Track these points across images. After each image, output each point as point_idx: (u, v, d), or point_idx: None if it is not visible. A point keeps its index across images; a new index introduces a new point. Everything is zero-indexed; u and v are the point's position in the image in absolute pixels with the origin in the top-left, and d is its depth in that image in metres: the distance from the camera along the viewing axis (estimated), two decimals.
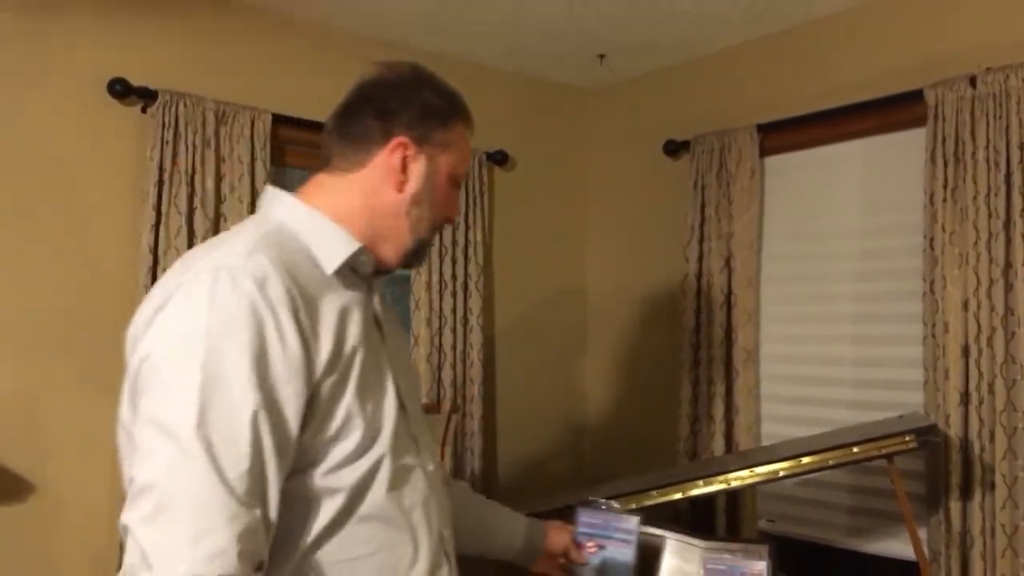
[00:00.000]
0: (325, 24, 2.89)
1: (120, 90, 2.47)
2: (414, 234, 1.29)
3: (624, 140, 3.48)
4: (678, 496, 2.17)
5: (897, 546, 2.54)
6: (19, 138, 2.36)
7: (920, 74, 2.49)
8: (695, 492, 2.16)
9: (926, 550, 2.32)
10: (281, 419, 1.06)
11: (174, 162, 2.49)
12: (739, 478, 2.13)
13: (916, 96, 2.47)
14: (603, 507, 1.69)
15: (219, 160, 2.58)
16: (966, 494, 2.32)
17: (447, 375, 3.03)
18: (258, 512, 1.03)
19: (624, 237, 3.46)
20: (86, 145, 2.47)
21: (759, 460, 2.17)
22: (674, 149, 3.19)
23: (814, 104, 2.77)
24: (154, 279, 2.38)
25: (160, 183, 2.48)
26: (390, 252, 1.28)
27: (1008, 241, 2.29)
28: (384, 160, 1.25)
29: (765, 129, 2.88)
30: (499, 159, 3.28)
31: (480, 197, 3.18)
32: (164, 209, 2.48)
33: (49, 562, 2.33)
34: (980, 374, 2.30)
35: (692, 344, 2.99)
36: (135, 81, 2.48)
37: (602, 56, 3.21)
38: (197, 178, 2.53)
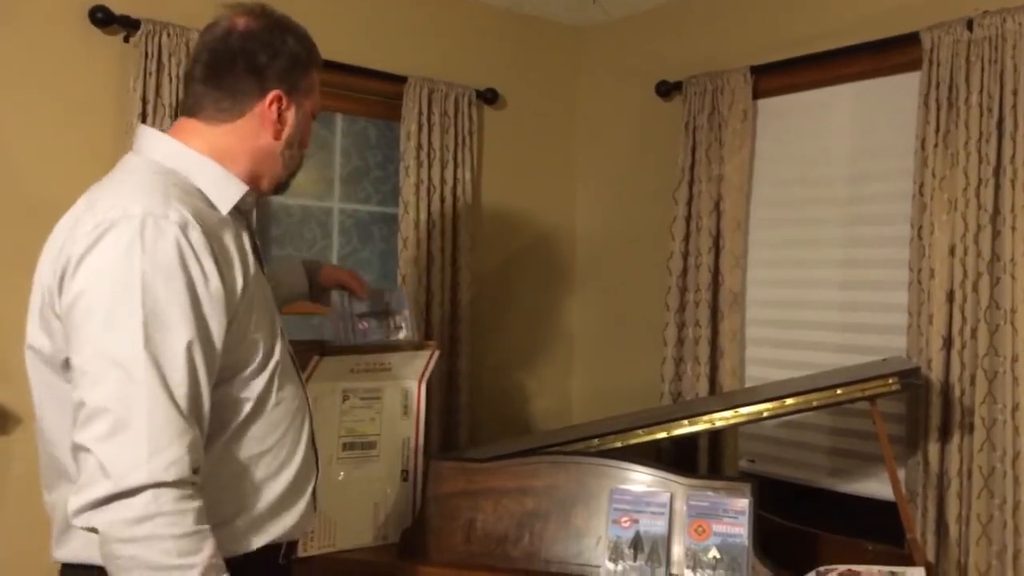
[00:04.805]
0: None
1: (102, 18, 2.41)
2: (286, 170, 1.49)
3: (616, 80, 3.43)
4: (663, 435, 2.19)
5: (876, 486, 2.59)
6: None
7: (917, 16, 2.45)
8: (680, 431, 2.18)
9: (904, 490, 2.37)
10: (210, 346, 1.25)
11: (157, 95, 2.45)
12: (724, 418, 2.15)
13: (912, 39, 2.45)
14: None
15: None
16: (945, 436, 2.36)
17: (436, 314, 3.02)
18: (197, 427, 1.23)
19: (614, 179, 3.44)
20: (66, 75, 2.41)
21: (743, 401, 2.20)
22: (666, 90, 3.15)
23: (809, 46, 2.73)
24: None
25: (143, 115, 2.42)
26: (265, 185, 1.48)
27: (997, 188, 2.29)
28: (262, 111, 1.41)
29: (759, 71, 2.84)
30: (489, 97, 3.24)
31: (469, 136, 3.13)
32: None
33: (33, 494, 2.34)
34: (964, 319, 2.33)
35: (679, 287, 3.00)
36: (117, 10, 2.42)
37: None
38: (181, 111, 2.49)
